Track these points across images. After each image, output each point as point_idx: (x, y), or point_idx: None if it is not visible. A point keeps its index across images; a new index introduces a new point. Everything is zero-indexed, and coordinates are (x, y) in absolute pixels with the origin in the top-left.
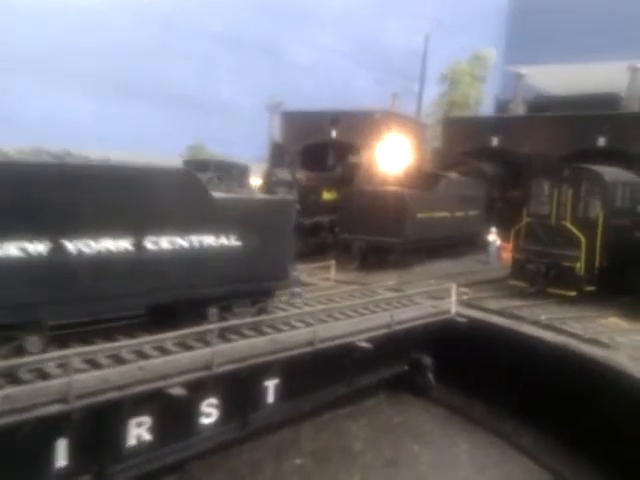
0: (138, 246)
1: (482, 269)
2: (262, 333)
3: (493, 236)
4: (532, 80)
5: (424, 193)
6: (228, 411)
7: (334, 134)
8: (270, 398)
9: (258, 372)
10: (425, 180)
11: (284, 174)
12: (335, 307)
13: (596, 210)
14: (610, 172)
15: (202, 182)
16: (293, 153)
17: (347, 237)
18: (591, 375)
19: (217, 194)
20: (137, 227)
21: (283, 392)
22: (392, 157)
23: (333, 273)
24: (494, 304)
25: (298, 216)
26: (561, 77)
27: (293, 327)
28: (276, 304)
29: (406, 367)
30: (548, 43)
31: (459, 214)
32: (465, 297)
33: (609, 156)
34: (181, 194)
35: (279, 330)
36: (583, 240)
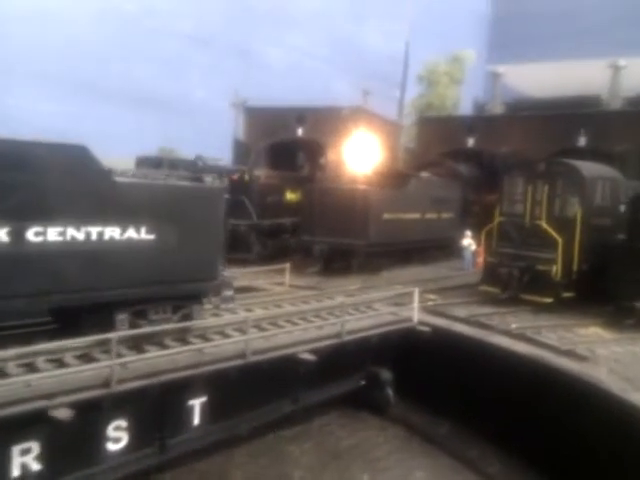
0: (17, 237)
1: (455, 275)
2: (187, 343)
3: (468, 240)
4: (510, 80)
5: (391, 192)
6: (141, 435)
7: (300, 132)
8: (195, 419)
9: (179, 389)
10: (394, 180)
11: (213, 161)
12: (277, 314)
13: (574, 208)
14: (589, 167)
15: (100, 162)
16: (258, 151)
17: (308, 239)
18: (567, 393)
19: (122, 178)
20: (15, 214)
21: (211, 412)
22: (361, 156)
23: (288, 277)
24: (462, 311)
25: (256, 217)
26: (540, 77)
27: (227, 336)
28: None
29: (363, 382)
30: (530, 45)
31: (431, 216)
32: (430, 303)
33: (591, 156)
34: (73, 175)
35: (208, 340)
36: (560, 241)
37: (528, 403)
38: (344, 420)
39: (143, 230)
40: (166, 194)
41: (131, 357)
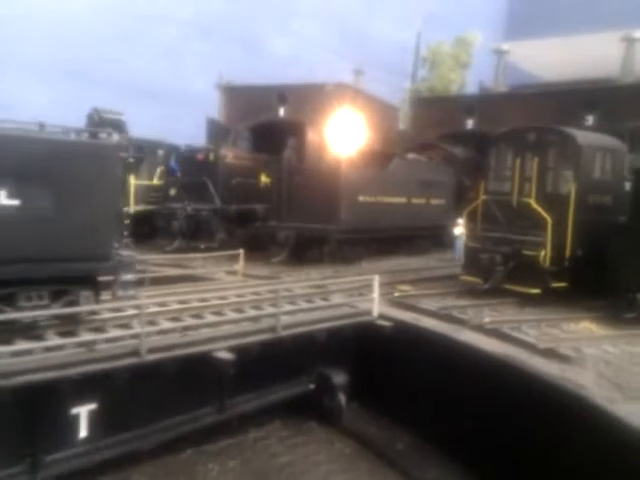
0: None
1: (443, 266)
2: (74, 336)
3: (460, 229)
4: (516, 59)
5: (368, 172)
6: (3, 452)
7: (282, 111)
8: (82, 431)
9: (55, 394)
10: (374, 160)
11: (113, 114)
12: (200, 305)
13: (567, 184)
14: (587, 135)
15: None
16: (237, 132)
17: (273, 225)
18: (542, 403)
19: None
20: None
21: (103, 422)
22: (344, 135)
23: (241, 265)
24: (433, 304)
25: (221, 201)
26: (548, 54)
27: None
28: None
29: (312, 386)
30: (538, 20)
31: (418, 201)
32: (397, 294)
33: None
34: None
35: (103, 332)
36: (549, 221)
37: (499, 415)
38: (286, 432)
39: (2, 194)
40: (35, 150)
41: None
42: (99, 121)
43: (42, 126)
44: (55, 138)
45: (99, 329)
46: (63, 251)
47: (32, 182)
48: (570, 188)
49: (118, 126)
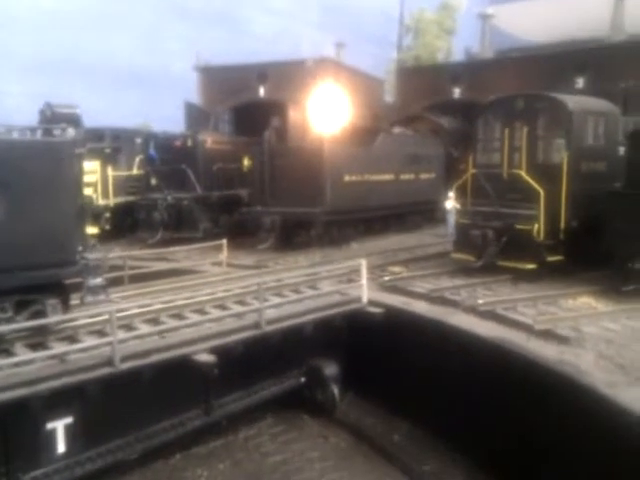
0: None
1: (435, 243)
2: (45, 349)
3: (451, 202)
4: (502, 23)
5: (353, 150)
6: None
7: (262, 91)
8: (60, 446)
9: (28, 410)
10: (359, 136)
11: (68, 108)
12: (180, 304)
13: (560, 152)
14: (577, 100)
15: None
16: (217, 115)
17: (258, 210)
18: (540, 389)
19: None
20: None
21: (82, 435)
22: (327, 113)
23: (225, 256)
24: (425, 285)
25: (202, 188)
26: (534, 17)
27: (102, 336)
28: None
29: (303, 379)
30: None
31: (407, 177)
32: (387, 278)
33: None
34: None
35: (75, 341)
36: (542, 193)
37: (497, 402)
38: (278, 428)
39: None
40: None
41: None
42: (52, 116)
43: None
44: (2, 138)
45: (70, 337)
46: (22, 259)
47: None
48: (562, 157)
49: (73, 120)
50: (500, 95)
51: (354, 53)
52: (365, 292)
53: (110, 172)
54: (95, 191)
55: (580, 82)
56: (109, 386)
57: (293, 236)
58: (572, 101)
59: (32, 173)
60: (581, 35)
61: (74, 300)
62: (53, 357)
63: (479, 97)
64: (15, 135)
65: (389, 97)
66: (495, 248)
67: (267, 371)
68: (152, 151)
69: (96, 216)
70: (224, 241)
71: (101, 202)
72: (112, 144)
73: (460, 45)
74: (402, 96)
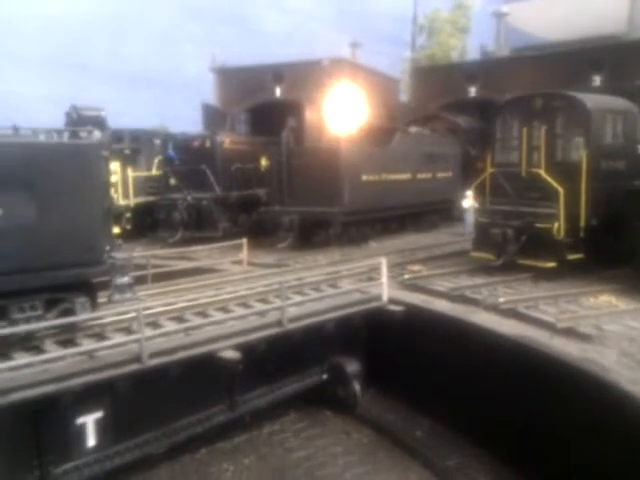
0: None
1: (453, 242)
2: (75, 345)
3: (469, 201)
4: (517, 21)
5: (371, 150)
6: (9, 466)
7: (278, 91)
8: (90, 440)
9: (59, 405)
10: (375, 136)
11: (93, 111)
12: (204, 302)
13: (578, 151)
14: (595, 99)
15: None
16: (234, 115)
17: (277, 210)
18: (562, 388)
19: None
20: None
21: (112, 430)
22: (344, 113)
23: (245, 254)
24: (446, 284)
25: (221, 188)
26: (550, 14)
27: (129, 334)
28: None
29: (325, 377)
30: None
31: (424, 176)
32: (407, 277)
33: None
34: None
35: (103, 338)
36: (561, 192)
37: (518, 400)
38: (301, 424)
39: None
40: (10, 155)
41: None
42: (78, 119)
43: (16, 129)
44: (31, 141)
45: (99, 335)
46: (53, 258)
47: (11, 190)
48: (581, 155)
49: (99, 123)
50: (518, 94)
51: (368, 53)
52: (385, 290)
53: (130, 173)
54: (116, 191)
55: (597, 80)
56: (137, 382)
57: (312, 235)
58: (590, 100)
59: (60, 175)
60: (597, 33)
61: (101, 298)
62: (83, 354)
63: (495, 96)
64: (42, 138)
65: (404, 97)
66: (515, 247)
67: (289, 368)
68: (171, 152)
69: (117, 216)
70: (244, 240)
71: (122, 202)
72: (131, 145)
73: (474, 44)
74: (417, 95)
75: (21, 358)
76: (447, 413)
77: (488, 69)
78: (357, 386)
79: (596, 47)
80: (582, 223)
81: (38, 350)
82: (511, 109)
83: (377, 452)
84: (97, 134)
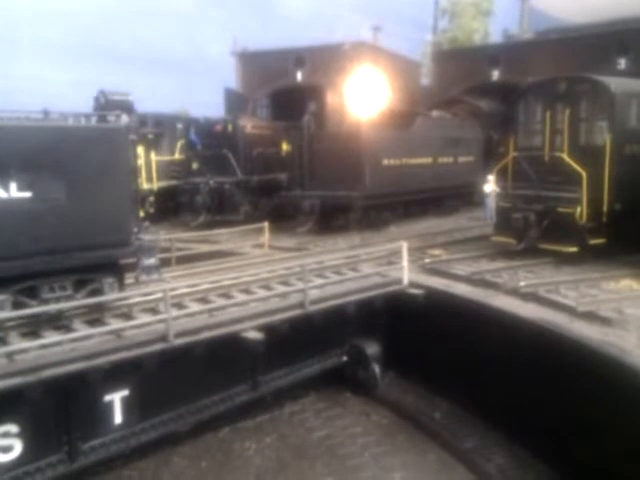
0: None
1: (474, 226)
2: (102, 325)
3: (491, 186)
4: (540, 4)
5: (392, 134)
6: (42, 441)
7: (299, 76)
8: (117, 417)
9: (85, 383)
10: (397, 120)
11: (120, 95)
12: (227, 284)
13: (602, 135)
14: (620, 82)
15: None
16: (256, 100)
17: (297, 194)
18: (582, 371)
19: None
20: None
21: (138, 407)
22: (365, 97)
23: (267, 238)
24: (466, 268)
25: (243, 172)
26: None
27: (155, 314)
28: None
29: (345, 358)
30: None
31: (445, 160)
32: (427, 260)
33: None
34: None
35: (130, 318)
36: (584, 176)
37: (537, 384)
38: (321, 405)
39: (13, 187)
40: (42, 139)
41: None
42: (106, 103)
43: (47, 113)
44: (61, 125)
45: (126, 315)
46: (82, 240)
47: (42, 172)
48: (605, 139)
49: (126, 107)
50: (541, 77)
51: (390, 36)
52: (406, 274)
53: (153, 157)
54: (139, 175)
55: (622, 63)
56: (163, 361)
57: (332, 219)
58: (615, 83)
59: (89, 158)
60: (622, 15)
61: (129, 279)
62: (110, 333)
63: (518, 79)
64: (70, 122)
65: (425, 80)
66: (536, 231)
67: (310, 349)
68: (193, 136)
69: (141, 200)
70: (266, 224)
71: (145, 186)
72: (155, 130)
73: (497, 27)
74: (439, 79)
75: (51, 336)
76: (465, 396)
77: (511, 52)
78: (377, 368)
79: (621, 30)
80: (605, 208)
81: (67, 329)
82: (534, 92)
83: (396, 433)
84: (125, 118)
